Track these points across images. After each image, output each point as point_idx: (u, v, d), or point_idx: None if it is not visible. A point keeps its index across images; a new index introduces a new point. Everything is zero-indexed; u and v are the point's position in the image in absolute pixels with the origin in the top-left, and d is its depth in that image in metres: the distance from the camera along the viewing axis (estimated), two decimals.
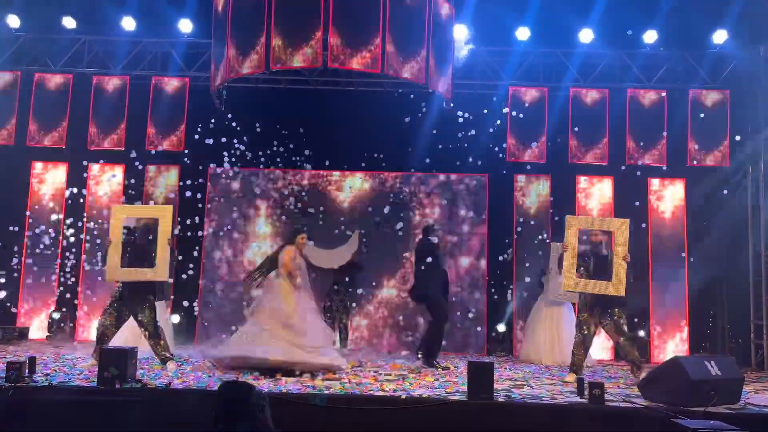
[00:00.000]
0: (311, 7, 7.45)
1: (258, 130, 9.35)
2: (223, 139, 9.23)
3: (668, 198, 9.78)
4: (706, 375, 5.16)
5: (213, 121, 9.33)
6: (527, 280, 9.33)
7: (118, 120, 9.76)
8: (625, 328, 6.60)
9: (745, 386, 5.79)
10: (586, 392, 5.25)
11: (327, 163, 9.85)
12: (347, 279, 8.98)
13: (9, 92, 9.76)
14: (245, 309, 7.16)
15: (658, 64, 9.69)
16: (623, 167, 9.58)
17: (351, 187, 9.99)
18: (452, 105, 9.13)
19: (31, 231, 9.58)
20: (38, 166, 10.02)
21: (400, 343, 9.57)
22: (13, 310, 9.27)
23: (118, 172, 9.91)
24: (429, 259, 7.41)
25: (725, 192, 9.46)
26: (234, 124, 9.29)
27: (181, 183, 9.81)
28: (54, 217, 9.61)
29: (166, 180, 9.96)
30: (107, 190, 9.91)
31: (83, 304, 9.60)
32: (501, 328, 9.53)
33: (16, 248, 9.42)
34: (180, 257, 9.43)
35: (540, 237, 9.61)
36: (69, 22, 9.67)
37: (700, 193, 9.60)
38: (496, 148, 9.64)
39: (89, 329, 9.25)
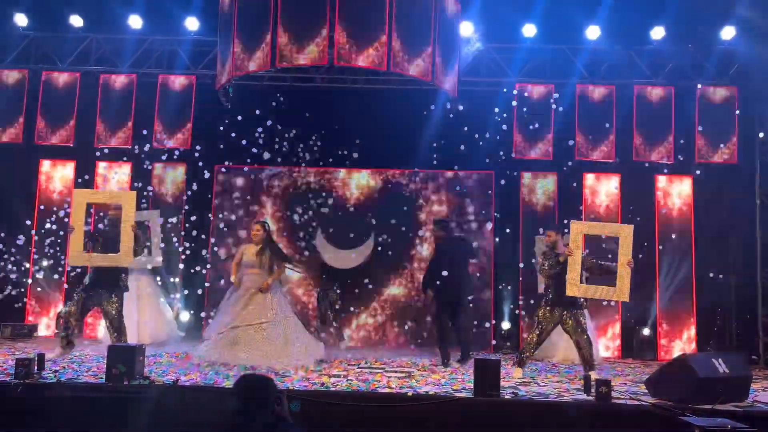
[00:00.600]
0: (317, 5, 7.45)
1: (264, 127, 9.36)
2: (230, 137, 9.25)
3: (675, 195, 9.73)
4: (713, 373, 5.15)
5: (219, 118, 9.35)
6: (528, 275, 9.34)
7: (125, 118, 9.79)
8: (586, 326, 6.61)
9: (753, 384, 5.77)
10: (592, 390, 5.25)
11: (333, 160, 9.85)
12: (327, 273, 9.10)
13: (17, 90, 9.81)
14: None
15: (665, 60, 9.63)
16: (630, 164, 9.54)
17: (351, 182, 10.01)
18: (458, 102, 9.12)
19: (39, 228, 9.62)
20: (46, 164, 10.07)
21: (406, 341, 9.59)
22: (17, 305, 9.30)
23: (125, 169, 9.95)
24: (466, 259, 7.54)
25: (733, 189, 9.41)
26: (240, 121, 9.31)
27: (187, 180, 9.85)
28: (62, 213, 9.64)
29: (173, 177, 10.00)
30: (115, 188, 9.93)
31: None
32: (506, 325, 9.52)
33: (22, 240, 9.45)
34: (187, 251, 9.56)
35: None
36: (76, 21, 9.70)
37: (708, 190, 9.55)
38: (503, 146, 9.62)
39: (97, 326, 9.30)
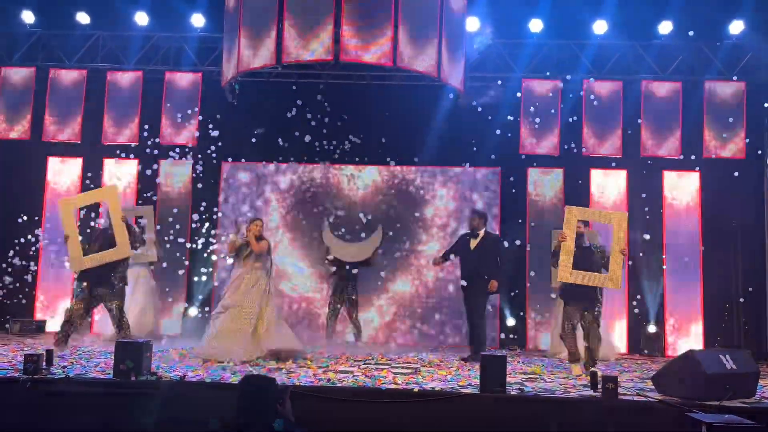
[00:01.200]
0: (323, 1, 7.45)
1: (270, 123, 9.37)
2: (237, 133, 9.27)
3: (683, 190, 9.68)
4: (721, 369, 5.13)
5: (226, 115, 9.36)
6: (532, 274, 9.31)
7: (132, 115, 9.83)
8: (599, 323, 6.60)
9: (761, 380, 5.74)
10: (599, 386, 5.23)
11: (338, 156, 9.85)
12: (354, 272, 9.02)
13: (25, 88, 9.85)
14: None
15: (673, 55, 9.57)
16: (637, 160, 9.50)
17: (358, 178, 10.01)
18: (465, 98, 9.09)
19: (47, 225, 9.67)
20: (54, 161, 10.12)
21: (413, 337, 9.60)
22: (24, 301, 9.34)
23: (132, 166, 9.98)
24: (497, 257, 7.43)
25: (741, 184, 9.36)
26: (247, 118, 9.32)
27: (194, 176, 9.88)
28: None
29: (179, 174, 10.03)
30: (122, 185, 9.97)
31: None
32: (511, 321, 9.49)
33: (27, 238, 9.51)
34: (194, 246, 9.58)
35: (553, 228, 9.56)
36: (83, 18, 9.74)
37: (716, 185, 9.50)
38: (509, 141, 9.59)
39: (106, 322, 9.33)
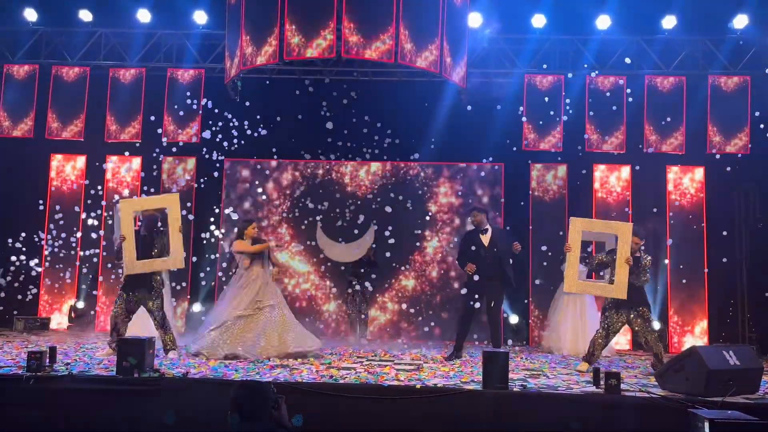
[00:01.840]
0: None
1: (273, 120, 9.37)
2: (239, 130, 9.27)
3: (687, 186, 9.64)
4: (724, 364, 5.11)
5: (229, 112, 9.36)
6: (545, 263, 9.28)
7: (135, 112, 9.84)
8: (654, 324, 6.59)
9: (765, 376, 5.72)
10: (602, 382, 5.23)
11: (341, 153, 9.85)
12: (362, 271, 9.09)
13: (28, 85, 9.88)
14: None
15: (676, 49, 9.53)
16: (641, 155, 9.46)
17: (360, 175, 10.01)
18: (467, 93, 9.07)
19: (50, 223, 9.70)
20: (57, 159, 10.14)
21: (416, 333, 9.60)
22: (28, 299, 9.37)
23: (135, 163, 10.00)
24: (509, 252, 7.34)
25: (746, 179, 9.31)
26: (249, 114, 9.32)
27: (197, 173, 9.89)
28: (76, 208, 9.72)
29: (182, 171, 10.04)
30: (125, 182, 10.00)
31: (103, 294, 9.72)
32: (514, 319, 9.46)
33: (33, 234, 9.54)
34: (197, 242, 9.60)
35: (556, 226, 9.54)
36: (85, 15, 9.75)
37: (720, 180, 9.45)
38: (512, 137, 9.57)
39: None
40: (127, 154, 9.78)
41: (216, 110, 9.41)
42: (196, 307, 9.60)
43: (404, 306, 9.74)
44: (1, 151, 9.87)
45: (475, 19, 9.20)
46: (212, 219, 9.63)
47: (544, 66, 9.59)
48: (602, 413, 4.90)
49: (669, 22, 9.30)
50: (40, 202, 9.80)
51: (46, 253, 9.73)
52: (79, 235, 9.64)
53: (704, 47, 9.52)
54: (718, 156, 9.35)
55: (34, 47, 9.98)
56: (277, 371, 5.81)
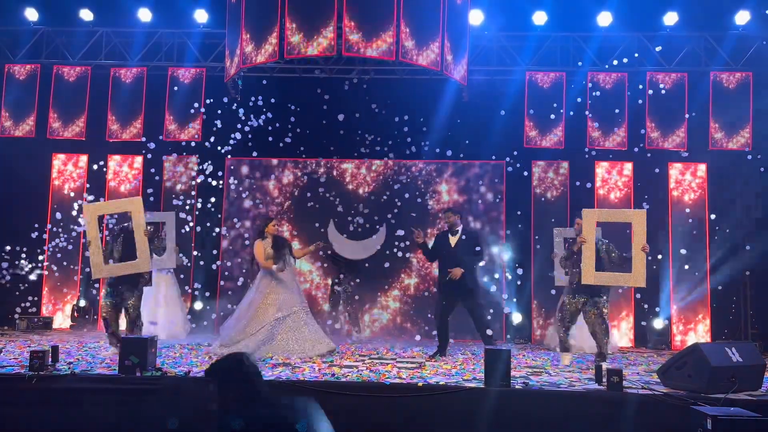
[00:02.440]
0: None
1: (274, 119, 9.37)
2: (240, 128, 9.26)
3: (689, 182, 9.63)
4: (726, 361, 5.10)
5: (230, 110, 9.36)
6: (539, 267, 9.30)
7: (136, 111, 9.86)
8: (606, 317, 6.58)
9: (767, 373, 5.71)
10: (604, 379, 5.22)
11: (342, 151, 9.85)
12: (342, 275, 9.24)
13: (29, 85, 9.89)
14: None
15: (678, 46, 9.51)
16: (643, 152, 9.44)
17: (361, 173, 10.01)
18: (468, 91, 9.05)
19: (52, 222, 9.71)
20: (59, 158, 10.14)
21: (418, 332, 9.58)
22: (31, 298, 9.39)
23: (137, 163, 10.01)
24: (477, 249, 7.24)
25: (748, 175, 9.29)
26: (250, 113, 9.31)
27: (198, 172, 9.89)
28: (76, 205, 9.72)
29: (184, 170, 10.04)
30: (126, 182, 10.00)
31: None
32: (517, 317, 9.45)
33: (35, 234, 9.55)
34: (199, 240, 9.61)
35: (558, 223, 9.53)
36: (86, 15, 9.76)
37: (722, 177, 9.43)
38: (514, 134, 9.56)
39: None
40: (128, 152, 9.78)
41: (217, 108, 9.42)
42: (198, 305, 9.60)
43: (405, 304, 9.73)
44: (2, 151, 9.87)
45: (476, 17, 9.18)
46: (213, 217, 9.63)
47: (552, 66, 9.58)
48: (604, 410, 4.89)
49: (670, 18, 9.28)
50: (42, 201, 9.81)
51: (49, 252, 9.74)
52: (81, 230, 9.65)
53: (706, 43, 9.50)
54: (720, 152, 9.33)
55: (35, 47, 9.99)
56: (279, 370, 5.81)
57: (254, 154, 9.65)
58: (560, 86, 9.62)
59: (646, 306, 9.18)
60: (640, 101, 9.49)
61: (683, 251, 9.19)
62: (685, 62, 9.54)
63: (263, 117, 9.21)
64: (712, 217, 9.39)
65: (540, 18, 9.39)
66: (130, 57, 9.95)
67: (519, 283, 9.55)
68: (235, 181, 10.02)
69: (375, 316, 9.79)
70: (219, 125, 9.26)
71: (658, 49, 9.51)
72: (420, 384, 5.21)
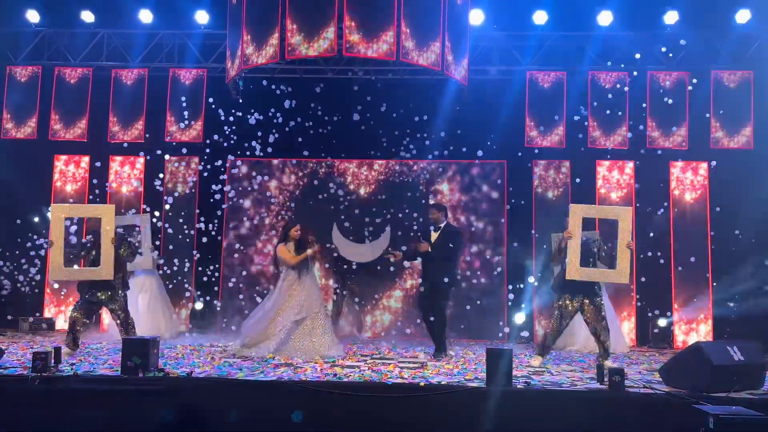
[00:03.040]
0: None
1: (275, 119, 9.37)
2: (242, 129, 9.28)
3: (690, 182, 9.62)
4: (728, 360, 5.10)
5: (231, 111, 9.37)
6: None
7: (137, 112, 9.88)
8: (604, 314, 6.56)
9: None
10: (606, 379, 5.22)
11: (344, 152, 9.85)
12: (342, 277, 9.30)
13: (31, 87, 9.91)
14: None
15: (679, 45, 9.49)
16: (644, 151, 9.44)
17: (362, 173, 10.01)
18: (469, 91, 9.05)
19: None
20: (61, 160, 10.16)
21: (420, 331, 9.58)
22: (33, 299, 9.39)
23: (138, 164, 10.02)
24: (448, 248, 7.17)
25: (749, 175, 9.28)
26: (251, 114, 9.32)
27: (200, 173, 9.90)
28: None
29: (185, 171, 10.05)
30: (128, 183, 10.02)
31: None
32: (519, 317, 9.45)
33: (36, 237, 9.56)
34: (201, 241, 9.62)
35: (559, 223, 9.52)
36: (87, 16, 9.78)
37: (724, 176, 9.42)
38: (514, 134, 9.56)
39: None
40: (130, 154, 9.79)
41: (219, 109, 9.43)
42: (199, 305, 9.60)
43: (406, 304, 9.73)
44: (5, 153, 9.87)
45: (476, 17, 9.18)
46: (215, 218, 9.64)
47: (553, 66, 9.58)
48: (606, 410, 4.90)
49: (671, 17, 9.28)
50: (44, 203, 9.81)
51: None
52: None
53: (707, 42, 9.49)
54: (721, 151, 9.32)
55: (37, 49, 10.01)
56: (281, 370, 5.82)
57: (256, 154, 9.65)
58: (561, 86, 9.62)
59: (647, 305, 9.19)
60: (641, 100, 9.48)
61: (684, 249, 9.20)
62: (687, 61, 9.53)
63: (264, 117, 9.22)
64: (714, 215, 9.37)
65: (540, 17, 9.39)
66: (131, 58, 9.97)
67: (520, 282, 9.57)
68: (236, 182, 10.03)
69: (376, 315, 9.79)
70: (220, 126, 9.27)
71: (663, 49, 9.49)
72: (422, 384, 5.21)
